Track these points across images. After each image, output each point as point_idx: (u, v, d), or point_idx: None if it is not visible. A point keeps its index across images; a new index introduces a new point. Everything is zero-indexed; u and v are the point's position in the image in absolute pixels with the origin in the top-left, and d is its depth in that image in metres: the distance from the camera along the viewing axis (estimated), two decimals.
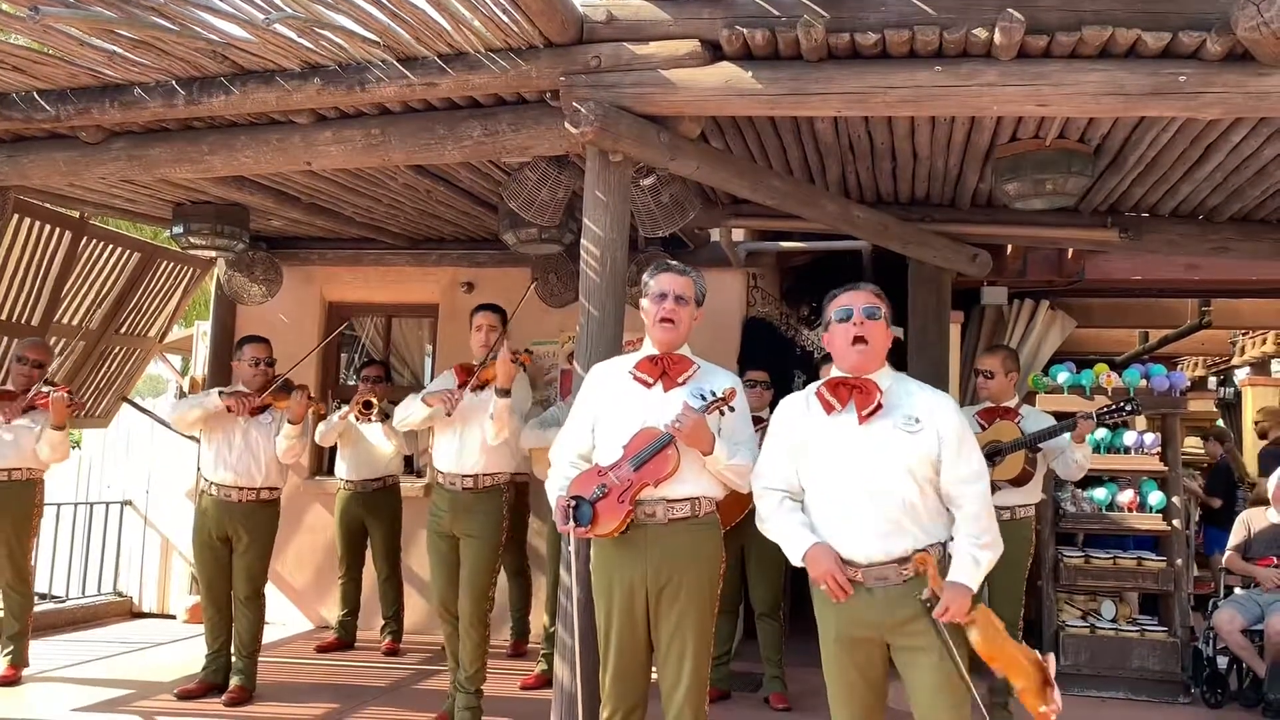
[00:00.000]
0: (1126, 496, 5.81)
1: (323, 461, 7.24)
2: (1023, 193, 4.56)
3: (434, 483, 4.78)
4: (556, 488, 3.29)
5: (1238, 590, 5.82)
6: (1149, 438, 5.87)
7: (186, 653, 6.01)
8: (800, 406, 3.04)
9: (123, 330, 7.31)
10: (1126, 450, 5.87)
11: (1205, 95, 3.49)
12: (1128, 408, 4.61)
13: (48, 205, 6.07)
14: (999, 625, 2.87)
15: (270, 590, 5.41)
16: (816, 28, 3.48)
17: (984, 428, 4.66)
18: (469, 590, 4.45)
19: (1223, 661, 5.61)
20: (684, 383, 3.29)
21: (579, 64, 3.83)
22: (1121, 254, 6.41)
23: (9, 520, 5.28)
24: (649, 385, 3.29)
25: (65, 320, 6.77)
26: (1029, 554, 4.70)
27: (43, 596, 6.92)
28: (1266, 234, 5.54)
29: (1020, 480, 4.54)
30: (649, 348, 3.38)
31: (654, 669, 3.28)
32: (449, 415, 4.43)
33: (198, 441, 5.21)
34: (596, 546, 3.30)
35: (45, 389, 5.29)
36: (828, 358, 3.36)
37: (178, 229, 5.94)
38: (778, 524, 2.98)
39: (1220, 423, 10.30)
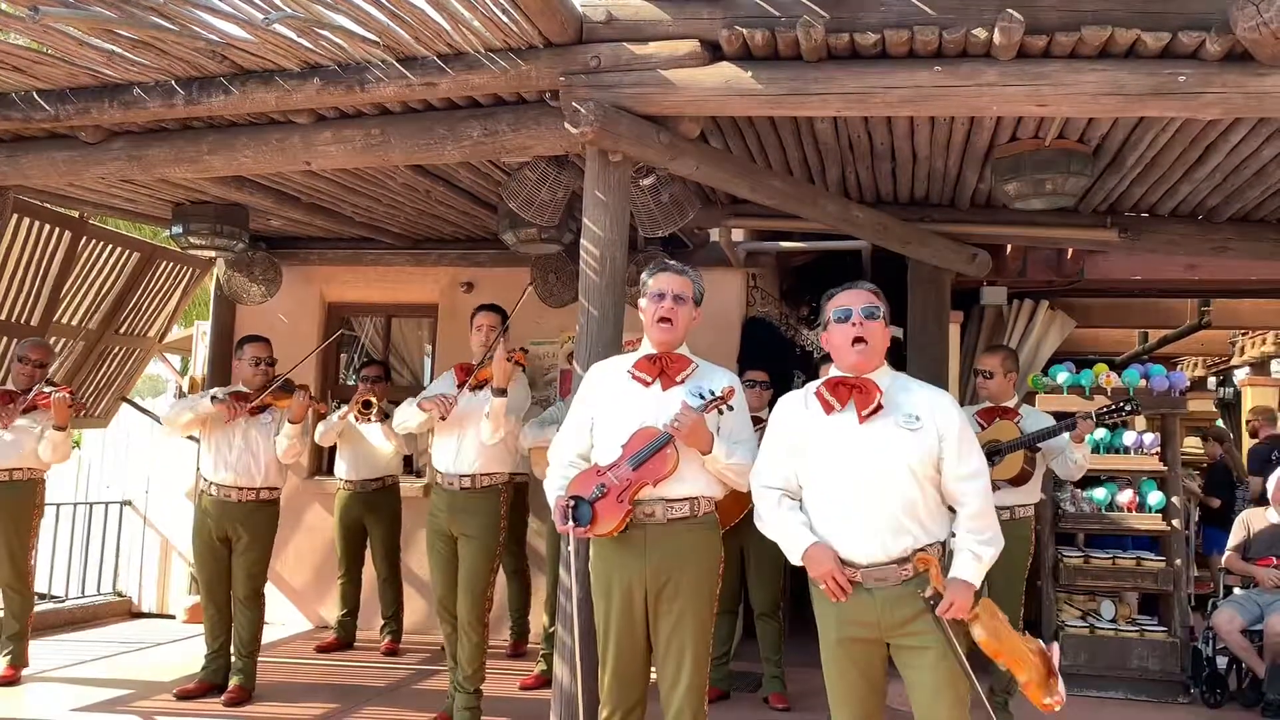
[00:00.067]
0: (1126, 496, 5.81)
1: (322, 461, 7.23)
2: (1022, 193, 4.57)
3: (433, 483, 4.78)
4: (555, 488, 3.29)
5: (1237, 590, 5.82)
6: (1148, 438, 5.87)
7: (186, 653, 6.01)
8: (798, 405, 3.04)
9: (122, 330, 7.31)
10: (1126, 450, 5.87)
11: (1205, 95, 3.49)
12: (1127, 408, 4.60)
13: (47, 205, 6.07)
14: (1003, 618, 2.87)
15: (270, 590, 5.41)
16: (816, 28, 3.48)
17: (983, 427, 4.66)
18: (466, 590, 4.45)
19: (1222, 661, 5.61)
20: (682, 382, 3.29)
21: (578, 64, 3.83)
22: (1121, 254, 6.41)
23: (10, 520, 5.27)
24: (647, 384, 3.29)
25: (65, 320, 6.78)
26: (1028, 554, 4.70)
27: (42, 596, 6.91)
28: (1266, 234, 5.55)
29: (1019, 480, 4.54)
30: (647, 347, 3.38)
31: (653, 669, 3.28)
32: (443, 419, 4.43)
33: (197, 442, 5.20)
34: (595, 546, 3.30)
35: (47, 389, 5.29)
36: (827, 357, 3.36)
37: (177, 229, 5.94)
38: (776, 523, 2.98)
39: (1220, 423, 10.29)
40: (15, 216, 5.74)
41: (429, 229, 6.76)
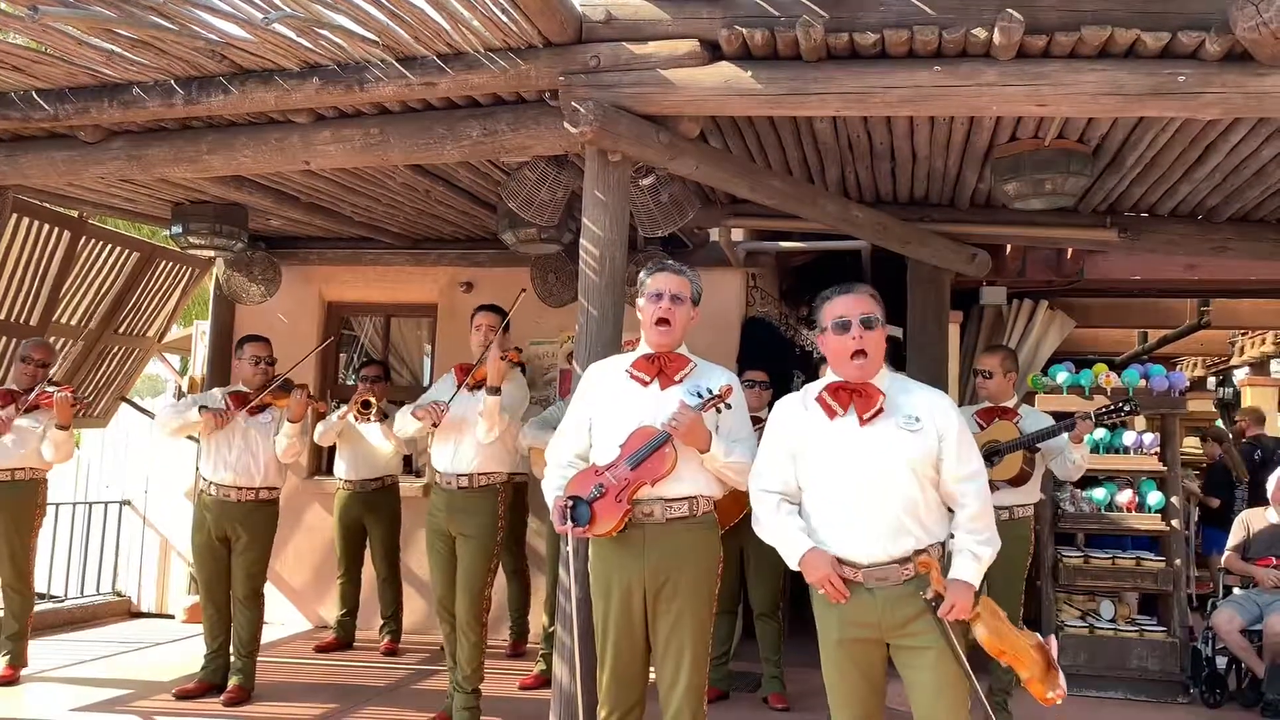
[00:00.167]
0: (1125, 496, 5.81)
1: (321, 461, 7.23)
2: (1022, 193, 4.56)
3: (432, 482, 4.78)
4: (553, 488, 3.29)
5: (1236, 590, 5.82)
6: (1148, 438, 5.87)
7: (185, 652, 6.01)
8: (797, 408, 3.03)
9: (121, 330, 7.31)
10: (1125, 450, 5.87)
11: (1204, 95, 3.49)
12: (1126, 408, 4.60)
13: (47, 205, 6.07)
14: (1002, 615, 2.88)
15: (269, 590, 5.40)
16: (816, 28, 3.48)
17: (983, 427, 4.66)
18: (464, 590, 4.44)
19: (1221, 661, 5.61)
20: (680, 381, 3.28)
21: (578, 64, 3.83)
22: (1120, 254, 6.41)
23: (11, 520, 5.27)
24: (645, 384, 3.29)
25: (64, 320, 6.78)
26: (1028, 554, 4.70)
27: (41, 596, 6.91)
28: (1265, 234, 5.54)
29: (1018, 480, 4.53)
30: (646, 347, 3.37)
31: (652, 669, 3.27)
32: (435, 427, 4.43)
33: (197, 441, 5.20)
34: (594, 546, 3.30)
35: (49, 389, 5.29)
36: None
37: (176, 229, 5.93)
38: (775, 527, 2.97)
39: (1219, 423, 10.30)
40: (14, 216, 5.74)
41: (428, 229, 6.76)
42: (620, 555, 3.20)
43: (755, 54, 3.74)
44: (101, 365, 7.37)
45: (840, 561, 2.83)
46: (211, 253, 6.83)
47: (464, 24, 3.63)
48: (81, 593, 7.43)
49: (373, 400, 5.97)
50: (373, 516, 6.30)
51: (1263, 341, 9.93)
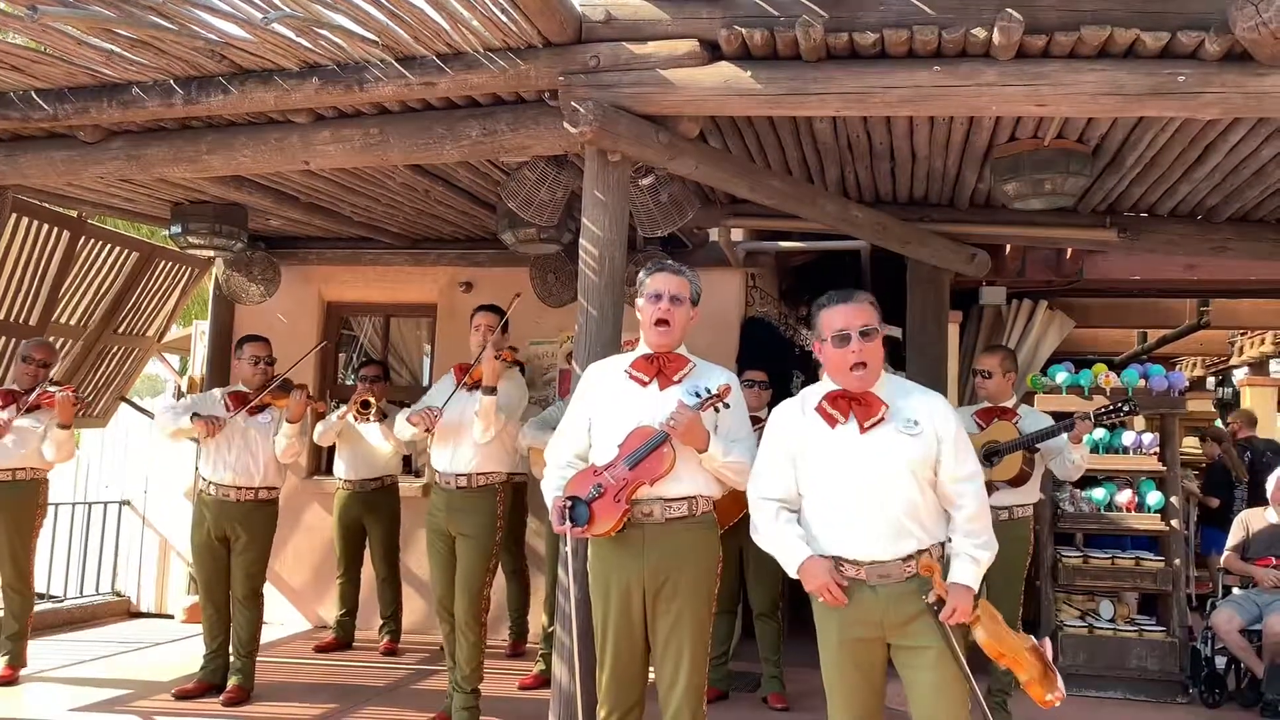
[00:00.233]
0: (1125, 496, 5.81)
1: (321, 461, 7.23)
2: (1021, 193, 4.56)
3: (432, 482, 4.79)
4: (552, 488, 3.29)
5: (1236, 590, 5.82)
6: (1147, 438, 5.87)
7: (184, 652, 6.00)
8: (795, 414, 3.02)
9: (121, 330, 7.31)
10: (1125, 450, 5.87)
11: (1204, 95, 3.49)
12: (1125, 408, 4.60)
13: (46, 205, 6.07)
14: (999, 618, 2.88)
15: (268, 590, 5.40)
16: (815, 27, 3.48)
17: (982, 428, 4.66)
18: (463, 590, 4.44)
19: (1221, 661, 5.61)
20: (680, 381, 3.28)
21: (577, 64, 3.83)
22: (1120, 254, 6.41)
23: (11, 520, 5.27)
24: (644, 384, 3.28)
25: (63, 320, 6.78)
26: (1027, 554, 4.69)
27: (41, 596, 6.90)
28: (1265, 234, 5.55)
29: (1018, 480, 4.53)
30: (645, 347, 3.37)
31: (651, 669, 3.27)
32: (428, 432, 4.43)
33: (197, 442, 5.21)
34: (594, 546, 3.30)
35: (51, 389, 5.28)
36: None
37: (176, 228, 5.93)
38: (774, 535, 2.96)
39: (1218, 423, 10.31)
40: (14, 216, 5.73)
41: (428, 229, 6.76)
42: (619, 555, 3.20)
43: (755, 54, 3.74)
44: (101, 365, 7.36)
45: (842, 561, 2.83)
46: (211, 253, 6.83)
47: (463, 24, 3.63)
48: (81, 593, 7.43)
49: (372, 400, 5.97)
50: (372, 516, 6.30)
51: (1262, 341, 9.93)
